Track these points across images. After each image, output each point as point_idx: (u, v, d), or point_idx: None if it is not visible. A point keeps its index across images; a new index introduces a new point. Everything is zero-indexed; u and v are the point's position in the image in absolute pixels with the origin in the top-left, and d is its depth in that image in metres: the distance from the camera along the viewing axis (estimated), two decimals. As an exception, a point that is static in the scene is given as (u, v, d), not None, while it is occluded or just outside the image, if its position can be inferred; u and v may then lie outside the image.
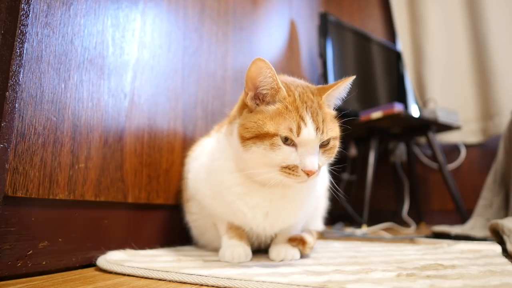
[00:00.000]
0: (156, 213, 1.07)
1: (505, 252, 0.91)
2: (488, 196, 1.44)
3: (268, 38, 1.80)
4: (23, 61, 0.72)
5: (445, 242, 1.11)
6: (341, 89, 0.77)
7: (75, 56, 0.84)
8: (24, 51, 0.72)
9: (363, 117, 1.89)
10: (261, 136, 0.69)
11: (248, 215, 0.77)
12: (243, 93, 0.78)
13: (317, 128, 0.69)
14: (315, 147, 0.69)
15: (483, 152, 2.21)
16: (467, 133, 2.22)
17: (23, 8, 0.72)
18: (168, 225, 1.11)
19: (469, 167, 2.23)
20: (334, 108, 0.80)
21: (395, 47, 2.53)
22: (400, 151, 2.40)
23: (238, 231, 0.86)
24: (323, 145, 0.72)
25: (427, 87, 2.31)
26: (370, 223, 1.82)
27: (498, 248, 0.94)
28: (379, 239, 1.41)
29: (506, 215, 1.33)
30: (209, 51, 1.35)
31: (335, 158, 0.78)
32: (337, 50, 2.09)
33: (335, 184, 0.85)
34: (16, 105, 0.70)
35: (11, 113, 0.69)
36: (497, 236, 1.03)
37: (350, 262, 0.79)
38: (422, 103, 2.33)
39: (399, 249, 1.03)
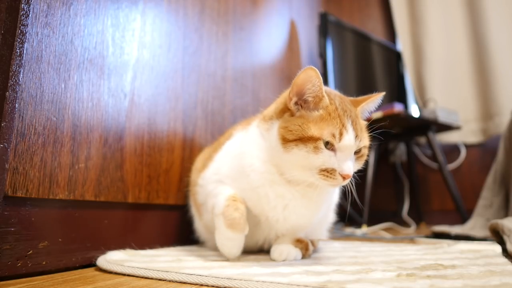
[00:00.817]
0: (156, 213, 1.07)
1: (505, 252, 0.91)
2: (488, 196, 1.45)
3: (268, 38, 1.80)
4: (23, 61, 0.72)
5: (445, 242, 1.11)
6: (373, 102, 0.82)
7: (75, 56, 0.84)
8: (24, 51, 0.72)
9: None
10: (304, 139, 0.73)
11: (272, 203, 0.79)
12: (285, 97, 0.80)
13: (356, 136, 0.73)
14: (351, 153, 0.74)
15: (483, 152, 2.21)
16: (467, 133, 2.22)
17: (23, 8, 0.72)
18: (168, 225, 1.11)
19: (469, 167, 2.23)
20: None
21: (395, 47, 2.53)
22: (400, 151, 2.40)
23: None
24: (356, 152, 0.76)
25: (427, 87, 2.31)
26: (370, 223, 1.83)
27: (498, 248, 0.94)
28: (379, 239, 1.41)
29: (506, 215, 1.33)
30: (209, 51, 1.35)
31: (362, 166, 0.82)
32: (337, 50, 2.09)
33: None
34: (16, 105, 0.70)
35: (11, 113, 0.69)
36: (497, 236, 1.03)
37: (350, 262, 0.79)
38: (422, 103, 2.33)
39: (399, 249, 1.03)
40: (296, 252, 0.84)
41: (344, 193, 0.89)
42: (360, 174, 0.85)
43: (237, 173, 0.83)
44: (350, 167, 0.72)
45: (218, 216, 0.80)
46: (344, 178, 0.71)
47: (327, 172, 0.72)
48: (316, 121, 0.74)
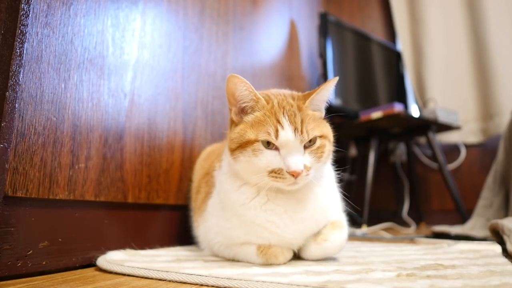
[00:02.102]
0: (156, 213, 1.07)
1: (505, 252, 0.91)
2: (488, 196, 1.45)
3: (268, 38, 1.80)
4: (23, 61, 0.72)
5: (445, 242, 1.11)
6: (323, 92, 0.77)
7: (75, 56, 0.84)
8: (24, 51, 0.72)
9: (363, 117, 1.89)
10: (244, 145, 0.73)
11: (280, 223, 0.75)
12: (229, 113, 0.80)
13: (295, 129, 0.71)
14: (297, 148, 0.71)
15: (483, 152, 2.21)
16: (467, 133, 2.22)
17: (23, 8, 0.72)
18: (168, 225, 1.11)
19: (469, 167, 2.23)
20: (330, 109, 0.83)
21: (395, 47, 2.53)
22: (400, 151, 2.40)
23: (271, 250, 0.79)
24: (309, 145, 0.73)
25: (427, 87, 2.31)
26: (370, 223, 1.83)
27: (498, 248, 0.94)
28: (379, 239, 1.41)
29: (506, 215, 1.33)
30: (209, 51, 1.35)
31: (333, 158, 0.79)
32: (337, 50, 2.09)
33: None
34: (16, 105, 0.70)
35: (11, 113, 0.69)
36: (497, 236, 1.03)
37: (350, 262, 0.79)
38: (422, 103, 2.33)
39: (399, 249, 1.03)
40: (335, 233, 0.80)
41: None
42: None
43: (234, 219, 0.79)
44: (297, 162, 0.69)
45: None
46: (293, 175, 0.69)
47: (275, 173, 0.70)
48: (252, 124, 0.74)
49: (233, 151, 0.75)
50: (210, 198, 0.91)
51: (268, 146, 0.71)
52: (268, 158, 0.71)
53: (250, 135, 0.72)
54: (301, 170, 0.69)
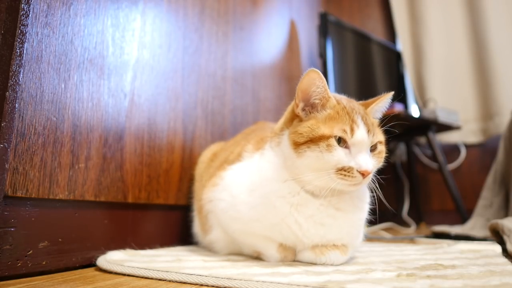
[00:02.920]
0: (156, 213, 1.07)
1: (505, 252, 0.91)
2: (488, 196, 1.44)
3: (268, 38, 1.80)
4: (23, 61, 0.72)
5: (445, 242, 1.11)
6: (382, 103, 0.80)
7: (75, 56, 0.84)
8: (24, 51, 0.72)
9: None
10: (315, 140, 0.71)
11: (304, 226, 0.75)
12: (292, 105, 0.80)
13: (368, 131, 0.72)
14: (367, 149, 0.72)
15: (483, 152, 2.21)
16: (467, 133, 2.22)
17: (23, 8, 0.72)
18: (168, 225, 1.11)
19: (469, 167, 2.23)
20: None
21: (395, 47, 2.53)
22: (400, 151, 2.40)
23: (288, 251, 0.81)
24: (372, 149, 0.75)
25: (427, 87, 2.31)
26: (370, 223, 1.82)
27: (498, 248, 0.94)
28: (379, 239, 1.41)
29: (506, 215, 1.33)
30: (209, 51, 1.35)
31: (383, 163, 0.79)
32: (337, 50, 2.09)
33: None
34: (16, 105, 0.70)
35: (11, 113, 0.69)
36: (497, 236, 1.03)
37: (350, 262, 0.79)
38: (422, 103, 2.33)
39: (399, 249, 1.03)
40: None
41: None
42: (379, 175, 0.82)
43: (261, 208, 0.78)
44: (368, 162, 0.70)
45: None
46: (363, 175, 0.69)
47: (344, 171, 0.70)
48: (325, 120, 0.73)
49: (299, 145, 0.73)
50: (228, 170, 0.88)
51: (339, 143, 0.71)
52: (340, 155, 0.70)
53: (325, 130, 0.71)
54: (371, 170, 0.70)
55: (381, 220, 1.96)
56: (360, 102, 0.82)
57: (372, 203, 0.85)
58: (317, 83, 0.73)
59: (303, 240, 0.77)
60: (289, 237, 0.77)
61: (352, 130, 0.71)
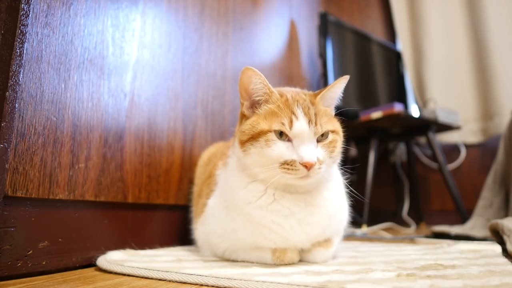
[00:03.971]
0: (156, 213, 1.07)
1: (505, 252, 0.91)
2: (488, 196, 1.44)
3: (268, 38, 1.80)
4: (23, 61, 0.72)
5: (445, 242, 1.11)
6: (335, 89, 0.78)
7: (75, 56, 0.84)
8: (24, 51, 0.72)
9: (363, 117, 1.89)
10: (256, 136, 0.72)
11: (286, 225, 0.73)
12: (240, 107, 0.80)
13: (309, 121, 0.71)
14: (310, 140, 0.71)
15: (483, 152, 2.21)
16: (467, 133, 2.22)
17: (23, 8, 0.72)
18: (168, 225, 1.11)
19: (469, 167, 2.23)
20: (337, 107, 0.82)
21: (395, 47, 2.53)
22: (400, 151, 2.40)
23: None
24: (322, 139, 0.73)
25: (427, 87, 2.31)
26: (370, 223, 1.82)
27: (498, 248, 0.94)
28: (379, 239, 1.41)
29: (506, 215, 1.33)
30: (209, 51, 1.35)
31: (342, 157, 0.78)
32: (337, 50, 2.09)
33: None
34: (16, 105, 0.70)
35: (11, 113, 0.69)
36: (497, 236, 1.03)
37: (350, 262, 0.79)
38: (422, 103, 2.33)
39: (399, 249, 1.03)
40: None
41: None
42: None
43: (239, 219, 0.77)
44: (310, 154, 0.68)
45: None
46: (306, 167, 0.67)
47: (287, 164, 0.68)
48: (265, 115, 0.73)
49: (243, 143, 0.74)
50: (211, 197, 0.88)
51: (281, 137, 0.70)
52: (281, 149, 0.70)
53: (263, 125, 0.72)
54: (314, 162, 0.68)
55: (381, 220, 1.96)
56: (314, 92, 0.80)
57: (346, 188, 0.84)
58: (254, 80, 0.73)
59: (292, 239, 0.75)
60: (276, 239, 0.75)
61: (291, 122, 0.70)
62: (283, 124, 0.70)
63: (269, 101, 0.75)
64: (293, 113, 0.71)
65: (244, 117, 0.78)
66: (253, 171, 0.74)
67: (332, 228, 0.80)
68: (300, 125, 0.70)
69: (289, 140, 0.70)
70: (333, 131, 0.75)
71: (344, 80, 0.77)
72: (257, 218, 0.74)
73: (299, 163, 0.68)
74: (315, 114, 0.72)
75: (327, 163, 0.73)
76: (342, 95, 0.80)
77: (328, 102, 0.79)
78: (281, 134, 0.70)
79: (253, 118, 0.75)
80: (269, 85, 0.75)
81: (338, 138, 0.76)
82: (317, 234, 0.77)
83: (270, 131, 0.71)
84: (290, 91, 0.78)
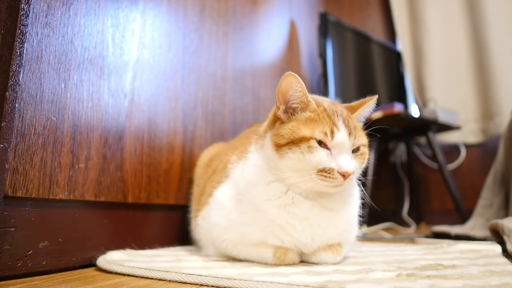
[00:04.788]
0: (156, 213, 1.07)
1: (505, 252, 0.91)
2: (488, 196, 1.44)
3: (268, 38, 1.80)
4: (23, 61, 0.72)
5: (445, 242, 1.11)
6: (367, 108, 0.82)
7: (75, 56, 0.84)
8: (24, 51, 0.72)
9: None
10: (296, 141, 0.72)
11: (298, 228, 0.75)
12: (274, 108, 0.80)
13: (349, 133, 0.73)
14: (348, 151, 0.73)
15: (483, 152, 2.21)
16: (467, 133, 2.22)
17: (23, 8, 0.72)
18: (168, 225, 1.11)
19: (469, 167, 2.23)
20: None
21: (395, 47, 2.53)
22: (400, 151, 2.40)
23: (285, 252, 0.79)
24: (355, 151, 0.75)
25: (427, 87, 2.31)
26: (370, 223, 1.82)
27: (498, 248, 0.94)
28: (379, 239, 1.41)
29: (506, 215, 1.33)
30: (209, 51, 1.35)
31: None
32: (337, 50, 2.09)
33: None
34: (16, 105, 0.70)
35: (11, 113, 0.69)
36: (497, 236, 1.03)
37: (350, 262, 0.79)
38: (422, 103, 2.33)
39: (399, 249, 1.03)
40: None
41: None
42: (363, 176, 0.84)
43: (251, 213, 0.77)
44: (349, 163, 0.71)
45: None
46: (344, 176, 0.70)
47: (325, 172, 0.70)
48: (306, 122, 0.74)
49: (280, 147, 0.74)
50: (218, 188, 0.88)
51: (320, 145, 0.71)
52: (322, 156, 0.70)
53: (305, 132, 0.72)
54: (352, 172, 0.70)
55: (381, 220, 1.96)
56: (345, 105, 0.82)
57: (362, 198, 0.86)
58: (294, 87, 0.74)
59: (301, 241, 0.76)
60: (284, 238, 0.76)
61: (332, 132, 0.71)
62: (325, 133, 0.71)
63: (306, 109, 0.75)
64: (334, 123, 0.72)
65: (278, 120, 0.78)
66: (285, 174, 0.74)
67: (345, 233, 0.80)
68: (342, 136, 0.71)
69: (328, 149, 0.72)
70: (364, 145, 0.78)
71: (374, 99, 0.82)
72: (273, 216, 0.75)
73: (338, 171, 0.70)
74: (355, 127, 0.75)
75: (356, 173, 0.76)
76: (371, 113, 0.85)
77: (360, 118, 0.83)
78: (319, 143, 0.71)
79: (293, 123, 0.75)
80: (307, 93, 0.75)
81: (367, 151, 0.79)
82: (330, 237, 0.78)
83: (312, 138, 0.71)
84: (325, 101, 0.79)
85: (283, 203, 0.75)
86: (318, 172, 0.71)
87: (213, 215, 0.85)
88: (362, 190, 0.85)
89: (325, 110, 0.75)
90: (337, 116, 0.74)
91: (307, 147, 0.71)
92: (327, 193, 0.75)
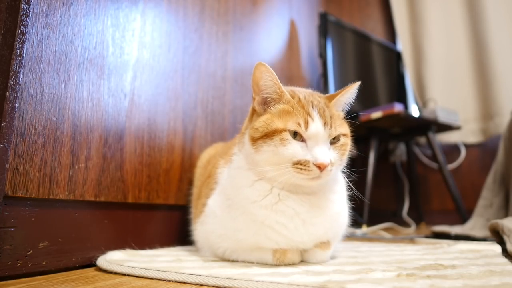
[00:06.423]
0: (156, 213, 1.07)
1: (505, 252, 0.91)
2: (488, 196, 1.45)
3: (268, 38, 1.80)
4: (23, 61, 0.72)
5: (445, 242, 1.11)
6: (348, 94, 0.79)
7: (75, 56, 0.84)
8: (24, 51, 0.72)
9: (363, 117, 1.89)
10: (270, 134, 0.71)
11: (290, 226, 0.73)
12: (252, 102, 0.79)
13: (325, 123, 0.71)
14: (325, 141, 0.71)
15: (483, 152, 2.21)
16: (467, 133, 2.22)
17: (23, 8, 0.72)
18: (168, 225, 1.11)
19: (469, 167, 2.23)
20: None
21: (395, 47, 2.53)
22: (400, 151, 2.40)
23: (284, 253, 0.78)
24: (334, 142, 0.74)
25: (427, 87, 2.31)
26: (370, 223, 1.82)
27: (498, 248, 0.94)
28: (379, 239, 1.41)
29: (506, 215, 1.33)
30: (209, 51, 1.35)
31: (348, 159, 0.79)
32: (337, 50, 2.09)
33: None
34: (16, 105, 0.70)
35: (11, 113, 0.69)
36: (497, 236, 1.03)
37: (350, 262, 0.79)
38: (422, 103, 2.33)
39: (399, 249, 1.03)
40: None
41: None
42: (359, 174, 0.83)
43: (242, 218, 0.76)
44: (324, 155, 0.69)
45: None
46: (319, 168, 0.68)
47: (300, 164, 0.69)
48: (279, 114, 0.73)
49: (255, 140, 0.73)
50: (210, 196, 0.87)
51: (295, 137, 0.70)
52: (296, 149, 0.69)
53: (278, 124, 0.71)
54: (328, 163, 0.69)
55: (381, 220, 1.96)
56: (326, 95, 0.81)
57: (349, 191, 0.85)
58: (265, 77, 0.73)
59: (296, 239, 0.75)
60: (278, 240, 0.75)
61: (306, 123, 0.70)
62: (299, 124, 0.70)
63: (281, 100, 0.74)
64: (308, 114, 0.71)
65: (255, 112, 0.78)
66: (262, 168, 0.73)
67: (333, 231, 0.80)
68: (316, 126, 0.70)
69: (303, 140, 0.71)
70: (344, 135, 0.76)
71: (356, 86, 0.78)
72: (261, 218, 0.74)
73: (313, 163, 0.68)
74: (331, 117, 0.73)
75: (337, 166, 0.74)
76: (353, 100, 0.81)
77: (341, 106, 0.80)
78: (295, 134, 0.70)
79: (267, 115, 0.74)
80: (280, 84, 0.74)
81: (348, 142, 0.77)
82: (320, 235, 0.77)
83: (285, 130, 0.70)
84: (302, 92, 0.78)
85: (269, 203, 0.74)
86: (293, 164, 0.69)
87: (208, 223, 0.85)
88: (348, 185, 0.83)
89: (299, 100, 0.73)
90: (312, 107, 0.72)
91: (279, 139, 0.70)
92: (306, 186, 0.73)
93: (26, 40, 0.72)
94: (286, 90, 0.76)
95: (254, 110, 0.78)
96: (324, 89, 1.95)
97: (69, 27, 0.83)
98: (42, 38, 0.76)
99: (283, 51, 1.95)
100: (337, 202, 0.80)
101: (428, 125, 1.97)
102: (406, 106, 2.34)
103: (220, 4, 1.44)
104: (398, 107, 1.78)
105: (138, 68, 1.02)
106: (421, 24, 2.40)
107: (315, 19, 2.37)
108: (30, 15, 0.73)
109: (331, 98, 0.78)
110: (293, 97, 0.74)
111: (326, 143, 0.71)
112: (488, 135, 2.15)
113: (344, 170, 0.82)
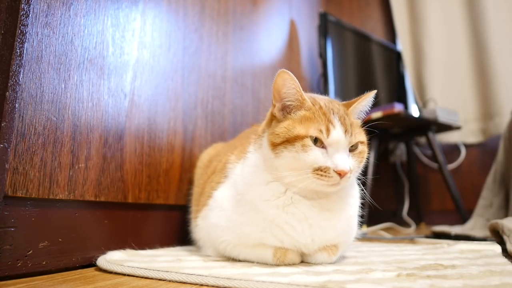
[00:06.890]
0: (156, 213, 1.07)
1: (505, 252, 0.91)
2: (488, 196, 1.45)
3: (268, 38, 1.80)
4: (23, 61, 0.72)
5: (445, 242, 1.11)
6: (364, 102, 0.80)
7: (75, 56, 0.84)
8: (24, 51, 0.72)
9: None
10: (291, 140, 0.72)
11: (298, 228, 0.74)
12: (271, 107, 0.80)
13: (345, 131, 0.72)
14: (344, 149, 0.72)
15: (483, 152, 2.21)
16: (467, 133, 2.22)
17: (23, 8, 0.72)
18: (168, 225, 1.11)
19: (469, 167, 2.23)
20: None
21: (395, 47, 2.53)
22: (400, 151, 2.40)
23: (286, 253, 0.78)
24: (352, 149, 0.74)
25: (427, 87, 2.31)
26: (370, 223, 1.82)
27: (498, 248, 0.94)
28: (379, 239, 1.41)
29: (506, 215, 1.33)
30: (209, 51, 1.35)
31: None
32: (337, 50, 2.09)
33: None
34: (16, 105, 0.70)
35: (11, 113, 0.69)
36: (497, 236, 1.03)
37: (350, 262, 0.79)
38: (422, 103, 2.33)
39: (399, 249, 1.03)
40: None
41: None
42: (363, 176, 0.83)
43: (250, 214, 0.77)
44: (345, 162, 0.70)
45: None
46: (340, 175, 0.69)
47: (321, 171, 0.69)
48: (301, 120, 0.73)
49: (276, 146, 0.73)
50: (218, 189, 0.87)
51: (316, 143, 0.71)
52: (316, 155, 0.70)
53: (300, 130, 0.71)
54: (348, 170, 0.69)
55: (381, 220, 1.96)
56: (343, 102, 0.82)
57: (362, 198, 0.86)
58: (288, 85, 0.74)
59: (301, 241, 0.75)
60: (284, 239, 0.76)
61: (328, 130, 0.70)
62: (320, 131, 0.70)
63: (302, 107, 0.75)
64: (330, 121, 0.72)
65: (274, 118, 0.78)
66: (282, 173, 0.74)
67: (344, 234, 0.80)
68: (337, 133, 0.71)
69: (324, 147, 0.71)
70: (362, 142, 0.77)
71: (373, 94, 0.80)
72: (271, 217, 0.75)
73: (333, 170, 0.69)
74: (351, 125, 0.74)
75: (354, 172, 0.75)
76: (369, 108, 0.82)
77: (357, 114, 0.81)
78: (315, 141, 0.71)
79: (288, 121, 0.74)
80: (302, 91, 0.75)
81: (365, 149, 0.78)
82: (329, 238, 0.77)
83: (306, 136, 0.71)
84: (322, 99, 0.79)
85: (282, 204, 0.75)
86: (314, 171, 0.70)
87: (212, 216, 0.85)
88: (362, 190, 0.85)
89: (320, 108, 0.74)
90: (333, 114, 0.73)
91: (301, 146, 0.70)
92: (325, 192, 0.74)
93: (26, 40, 0.72)
94: (307, 97, 0.76)
95: (273, 116, 0.78)
96: (324, 89, 1.95)
97: (69, 27, 0.83)
98: (42, 38, 0.76)
99: (283, 51, 1.95)
100: (353, 206, 0.81)
101: (428, 125, 1.97)
102: (406, 106, 2.34)
103: (220, 4, 1.44)
104: (398, 107, 1.78)
105: (138, 68, 1.02)
106: (421, 24, 2.40)
107: (315, 19, 2.37)
108: (30, 15, 0.73)
109: (348, 105, 0.79)
110: (314, 104, 0.75)
111: (346, 150, 0.72)
112: (488, 135, 2.15)
113: (359, 177, 0.82)
